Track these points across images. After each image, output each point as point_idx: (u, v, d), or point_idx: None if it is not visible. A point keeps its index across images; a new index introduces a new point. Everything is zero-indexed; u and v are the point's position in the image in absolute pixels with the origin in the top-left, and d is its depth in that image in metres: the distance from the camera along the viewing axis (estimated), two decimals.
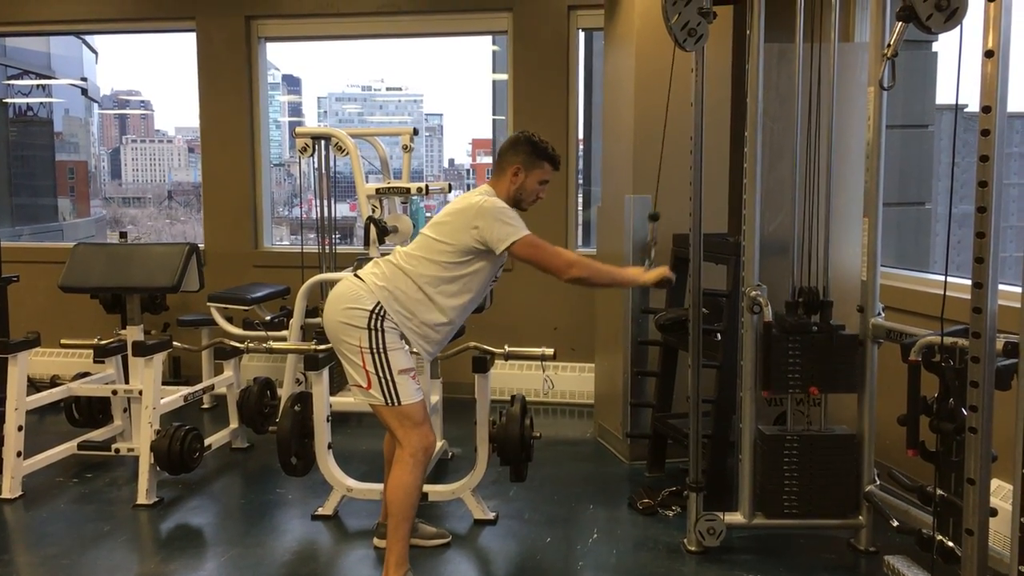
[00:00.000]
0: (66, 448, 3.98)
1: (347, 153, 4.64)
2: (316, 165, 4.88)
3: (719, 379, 3.52)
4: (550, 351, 3.46)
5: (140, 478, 3.64)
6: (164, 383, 3.95)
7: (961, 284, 2.46)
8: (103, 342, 4.17)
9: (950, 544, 2.39)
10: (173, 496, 3.73)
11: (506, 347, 3.46)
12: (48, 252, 5.90)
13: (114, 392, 4.11)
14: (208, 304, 4.93)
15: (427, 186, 4.51)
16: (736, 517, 3.12)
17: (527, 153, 2.91)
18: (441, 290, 2.78)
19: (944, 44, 4.16)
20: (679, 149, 3.22)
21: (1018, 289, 2.01)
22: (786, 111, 3.22)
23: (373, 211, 4.51)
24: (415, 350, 2.89)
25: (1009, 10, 2.04)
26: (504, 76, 5.48)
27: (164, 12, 5.69)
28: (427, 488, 3.28)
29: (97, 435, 4.17)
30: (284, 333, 4.68)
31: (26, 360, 3.80)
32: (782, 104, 3.25)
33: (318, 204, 5.02)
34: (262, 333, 4.76)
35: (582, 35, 5.37)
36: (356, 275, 2.84)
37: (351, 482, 3.44)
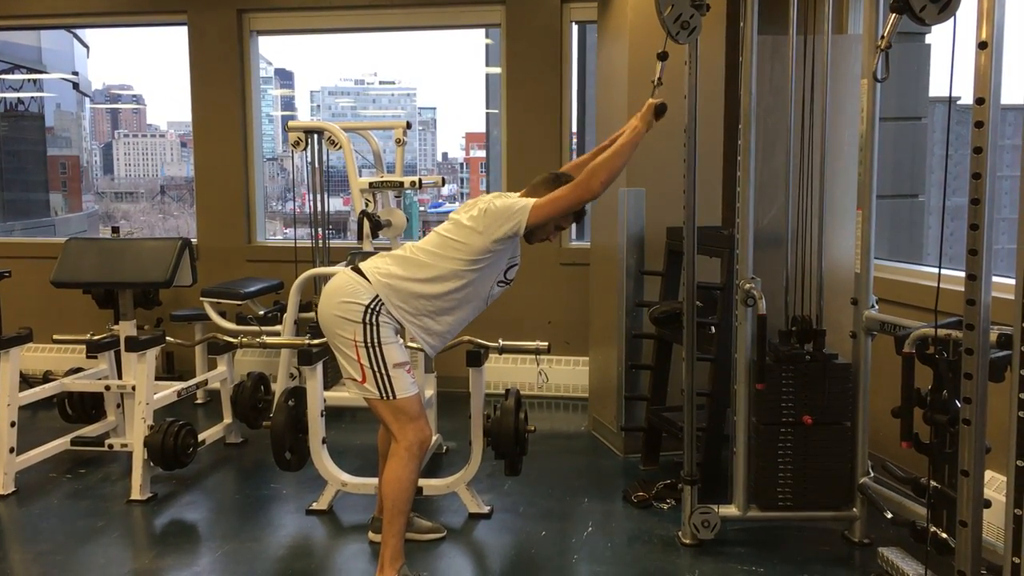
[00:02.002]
0: (59, 444, 3.96)
1: (340, 147, 4.62)
2: (309, 159, 4.86)
3: (713, 372, 3.52)
4: (544, 345, 3.46)
5: (134, 474, 3.63)
6: (157, 378, 3.94)
7: (955, 276, 2.46)
8: (96, 337, 4.16)
9: (944, 536, 2.40)
10: (167, 492, 3.72)
11: (500, 341, 3.45)
12: (40, 247, 5.88)
13: (107, 388, 4.10)
14: (201, 299, 4.91)
15: (420, 180, 4.50)
16: (731, 510, 3.12)
17: None
18: (449, 286, 2.76)
19: (937, 36, 4.15)
20: (673, 142, 3.22)
21: (1011, 281, 2.01)
22: (780, 103, 3.21)
23: (367, 205, 4.50)
24: (417, 345, 2.88)
25: (1002, 1, 2.04)
26: (497, 69, 5.47)
27: (155, 5, 5.66)
28: (422, 482, 3.28)
29: (90, 431, 4.16)
30: (278, 328, 4.67)
31: (18, 356, 3.78)
32: (776, 96, 3.24)
33: (311, 198, 5.01)
34: (256, 328, 4.75)
35: (575, 28, 5.36)
36: (356, 268, 2.83)
37: (345, 477, 3.44)
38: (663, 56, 2.91)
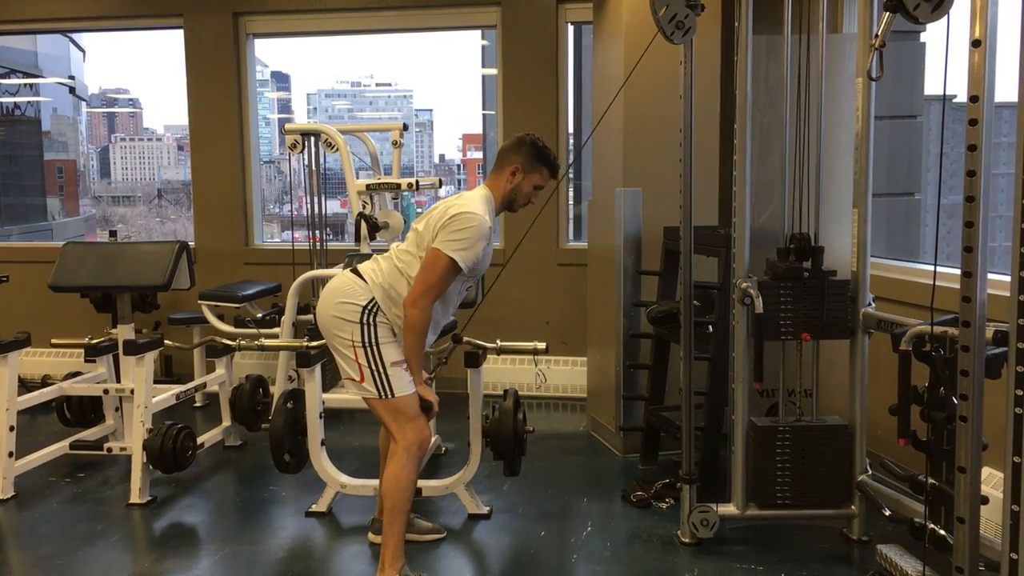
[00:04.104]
0: (58, 448, 3.96)
1: (337, 149, 4.62)
2: (306, 162, 4.86)
3: (711, 371, 3.53)
4: (542, 345, 3.46)
5: (133, 477, 3.63)
6: (156, 382, 3.94)
7: (951, 273, 2.47)
8: (94, 341, 4.16)
9: (942, 532, 2.40)
10: (166, 495, 3.72)
11: (498, 341, 3.45)
12: (37, 251, 5.88)
13: (106, 391, 4.10)
14: (199, 302, 4.91)
15: (417, 182, 4.50)
16: (729, 508, 3.13)
17: (528, 155, 2.90)
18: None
19: (931, 34, 4.17)
20: (668, 142, 3.22)
21: (1007, 278, 2.02)
22: (775, 103, 3.22)
23: (364, 207, 4.50)
24: None
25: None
26: (494, 71, 5.48)
27: (151, 9, 5.66)
28: (421, 483, 3.28)
29: (89, 434, 4.16)
30: (276, 330, 4.67)
31: (17, 360, 3.78)
32: (771, 96, 3.25)
33: (308, 201, 5.01)
34: (254, 331, 4.75)
35: (571, 29, 5.37)
36: (355, 270, 2.85)
37: (345, 478, 3.44)
38: (457, 339, 3.33)
